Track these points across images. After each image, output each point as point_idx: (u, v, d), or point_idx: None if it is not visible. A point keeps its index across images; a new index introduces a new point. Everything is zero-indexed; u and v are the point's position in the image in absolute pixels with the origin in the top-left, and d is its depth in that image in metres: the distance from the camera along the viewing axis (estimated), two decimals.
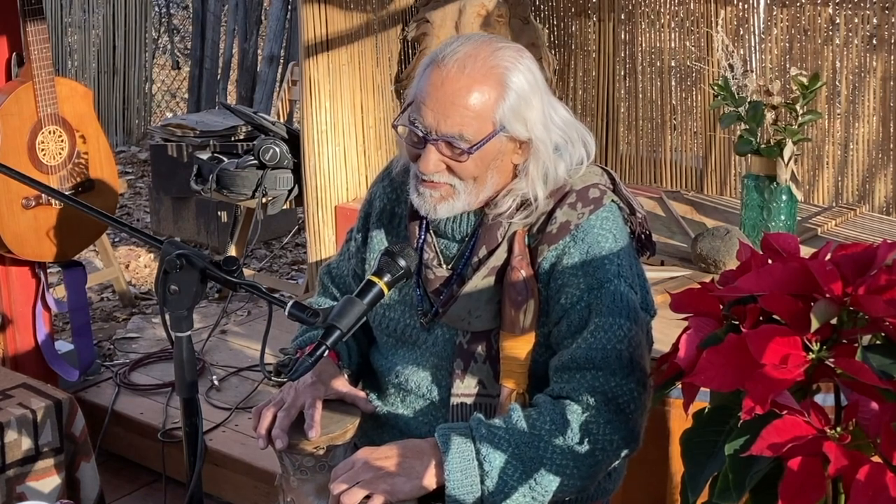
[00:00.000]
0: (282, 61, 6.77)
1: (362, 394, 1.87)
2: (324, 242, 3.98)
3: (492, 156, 1.75)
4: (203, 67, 7.09)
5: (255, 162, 4.15)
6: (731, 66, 2.95)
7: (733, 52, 3.01)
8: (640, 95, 4.25)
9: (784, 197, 2.91)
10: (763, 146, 2.90)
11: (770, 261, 1.42)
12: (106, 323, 4.42)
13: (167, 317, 1.58)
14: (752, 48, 3.92)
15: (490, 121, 1.72)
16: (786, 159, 2.85)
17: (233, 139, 4.81)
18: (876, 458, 1.21)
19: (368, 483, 1.62)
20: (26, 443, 2.79)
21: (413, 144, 1.77)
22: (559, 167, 1.78)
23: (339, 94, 3.93)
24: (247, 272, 4.47)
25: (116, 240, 5.35)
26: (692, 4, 4.04)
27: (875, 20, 3.73)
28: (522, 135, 1.75)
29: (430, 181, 1.76)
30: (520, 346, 1.76)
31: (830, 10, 3.77)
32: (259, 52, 7.07)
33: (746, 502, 1.30)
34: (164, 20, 9.30)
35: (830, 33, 3.80)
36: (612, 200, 1.82)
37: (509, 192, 1.79)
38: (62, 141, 3.18)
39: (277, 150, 4.12)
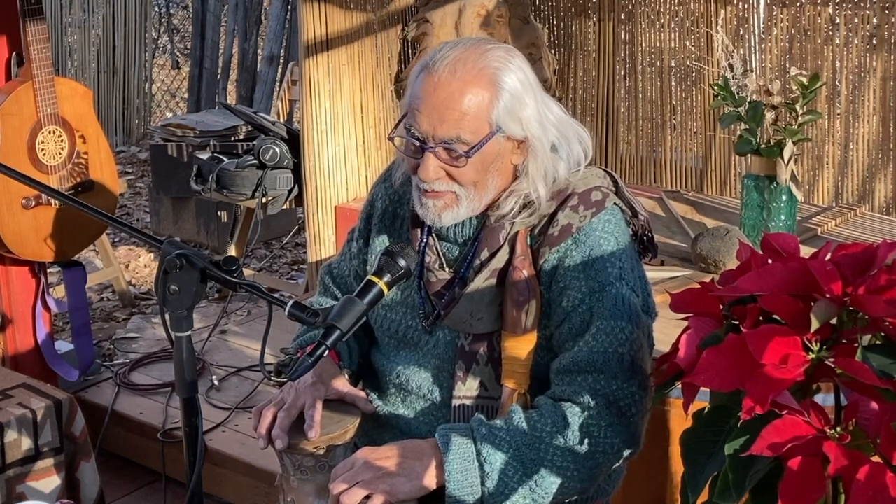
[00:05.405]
0: (282, 61, 6.77)
1: (362, 394, 1.87)
2: (324, 242, 3.98)
3: (491, 158, 1.75)
4: (203, 67, 7.09)
5: (255, 162, 4.15)
6: (731, 66, 2.95)
7: (733, 52, 3.01)
8: (640, 95, 4.25)
9: (784, 197, 2.91)
10: (763, 146, 2.90)
11: (770, 261, 1.42)
12: (106, 323, 4.41)
13: (167, 317, 1.58)
14: (752, 48, 3.92)
15: (486, 122, 1.72)
16: (786, 159, 2.86)
17: (233, 139, 4.80)
18: (876, 458, 1.21)
19: (368, 483, 1.62)
20: (26, 443, 2.79)
21: (411, 154, 1.76)
22: (558, 165, 1.79)
23: (339, 94, 3.93)
24: (247, 272, 4.47)
25: (116, 240, 5.35)
26: (692, 4, 4.04)
27: (875, 20, 3.73)
28: (519, 134, 1.75)
29: (433, 191, 1.75)
30: (521, 346, 1.76)
31: (830, 10, 3.77)
32: (259, 52, 7.07)
33: (746, 502, 1.30)
34: (164, 20, 9.30)
35: (830, 33, 3.80)
36: (615, 203, 1.82)
37: (511, 193, 1.79)
38: (62, 141, 3.18)
39: (277, 150, 4.12)
